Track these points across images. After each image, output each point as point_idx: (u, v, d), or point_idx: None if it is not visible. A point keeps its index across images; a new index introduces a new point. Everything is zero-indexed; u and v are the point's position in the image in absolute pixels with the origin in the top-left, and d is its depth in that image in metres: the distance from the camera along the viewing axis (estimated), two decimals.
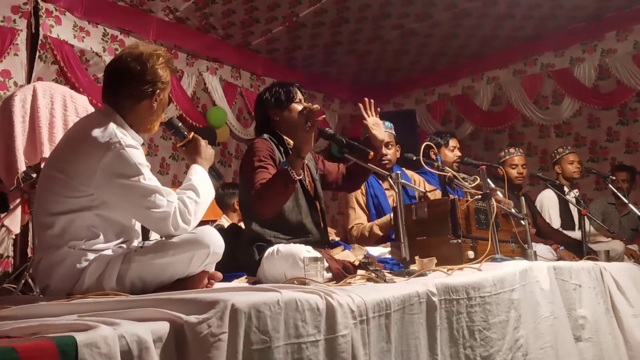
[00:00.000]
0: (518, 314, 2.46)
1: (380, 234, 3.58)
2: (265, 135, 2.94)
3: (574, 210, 5.15)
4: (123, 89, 2.17)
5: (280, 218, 2.75)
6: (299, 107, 2.92)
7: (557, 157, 5.48)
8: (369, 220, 3.76)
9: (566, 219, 5.21)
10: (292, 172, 2.56)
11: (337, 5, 6.17)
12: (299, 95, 3.02)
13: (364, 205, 3.79)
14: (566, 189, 5.28)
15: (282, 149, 2.91)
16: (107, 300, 1.60)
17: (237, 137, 7.19)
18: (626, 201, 4.79)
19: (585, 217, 4.25)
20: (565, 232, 5.03)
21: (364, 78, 8.32)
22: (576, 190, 5.42)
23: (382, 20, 6.58)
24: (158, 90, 2.18)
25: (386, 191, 3.87)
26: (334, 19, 6.47)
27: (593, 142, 7.14)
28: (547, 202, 5.25)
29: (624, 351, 3.32)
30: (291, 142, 2.93)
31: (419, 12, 6.40)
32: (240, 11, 6.17)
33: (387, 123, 3.81)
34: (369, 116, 3.05)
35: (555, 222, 5.16)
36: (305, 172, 2.95)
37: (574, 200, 4.80)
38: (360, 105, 3.09)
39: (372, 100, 3.10)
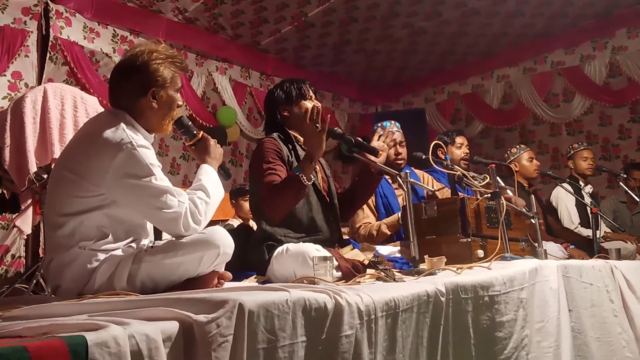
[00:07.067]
0: (525, 312, 2.45)
1: (388, 233, 3.58)
2: (274, 134, 2.94)
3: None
4: (120, 87, 2.17)
5: (291, 216, 2.75)
6: (309, 105, 2.92)
7: (572, 152, 5.43)
8: (377, 221, 3.75)
9: (581, 215, 5.18)
10: (303, 178, 2.57)
11: (346, 5, 6.17)
12: (310, 93, 3.02)
13: (372, 206, 3.78)
14: (581, 183, 5.25)
15: (290, 147, 2.91)
16: (117, 300, 1.61)
17: (248, 137, 7.22)
18: (638, 199, 4.76)
19: (597, 214, 4.22)
20: (580, 228, 5.00)
21: (373, 77, 8.31)
22: (590, 186, 5.38)
23: (391, 19, 6.58)
24: (155, 88, 2.14)
25: (396, 191, 3.86)
26: (342, 18, 6.48)
27: (605, 139, 7.11)
28: (564, 196, 5.22)
29: (636, 350, 3.29)
30: (300, 139, 2.94)
31: (427, 10, 6.39)
32: (249, 11, 6.20)
33: (395, 122, 3.82)
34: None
35: (574, 216, 5.13)
36: (318, 167, 2.96)
37: (588, 196, 4.76)
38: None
39: None
